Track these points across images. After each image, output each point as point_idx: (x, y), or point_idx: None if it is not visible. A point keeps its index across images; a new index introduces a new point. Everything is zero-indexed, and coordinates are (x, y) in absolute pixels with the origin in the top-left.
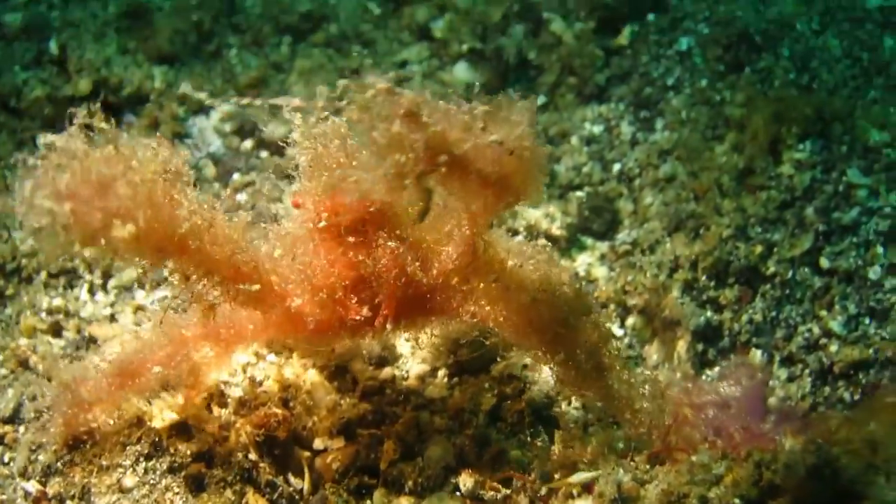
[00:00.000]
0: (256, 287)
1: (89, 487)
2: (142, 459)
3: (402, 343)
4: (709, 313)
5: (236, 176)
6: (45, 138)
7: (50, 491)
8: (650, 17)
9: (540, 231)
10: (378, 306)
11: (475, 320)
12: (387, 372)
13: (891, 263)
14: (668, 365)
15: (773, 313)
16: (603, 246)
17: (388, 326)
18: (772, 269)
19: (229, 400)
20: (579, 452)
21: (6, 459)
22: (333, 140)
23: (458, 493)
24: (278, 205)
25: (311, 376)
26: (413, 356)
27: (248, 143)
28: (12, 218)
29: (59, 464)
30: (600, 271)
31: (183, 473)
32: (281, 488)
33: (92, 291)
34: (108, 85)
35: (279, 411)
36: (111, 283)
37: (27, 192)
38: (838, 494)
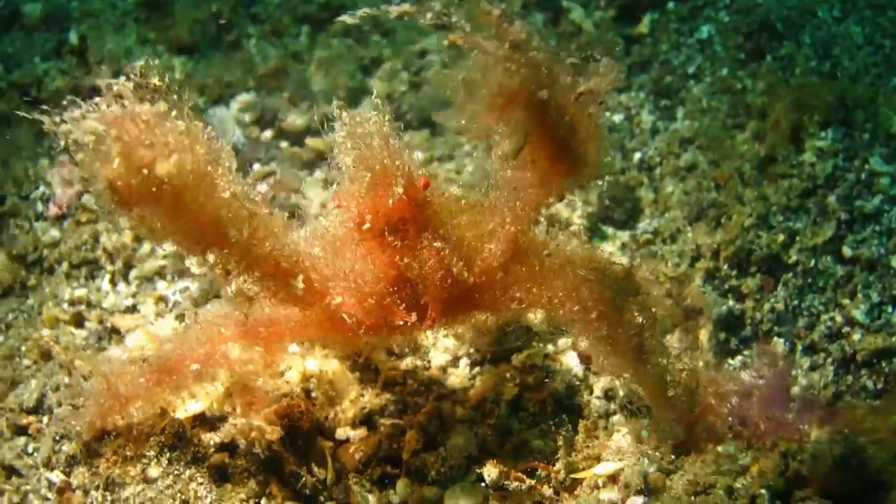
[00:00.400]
0: (300, 285)
1: (113, 478)
2: (166, 450)
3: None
4: (731, 302)
5: (256, 166)
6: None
7: (74, 481)
8: (670, 4)
9: (561, 220)
10: (420, 305)
11: (521, 306)
12: (408, 362)
13: None
14: (691, 354)
15: (796, 302)
16: (624, 235)
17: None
18: (794, 258)
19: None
20: (604, 442)
21: (30, 450)
22: (377, 139)
23: (481, 484)
24: (298, 195)
25: (333, 367)
26: (434, 346)
27: (267, 134)
28: (33, 209)
29: (83, 454)
30: (621, 261)
31: (206, 464)
32: (304, 478)
33: (114, 282)
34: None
35: (302, 402)
36: (133, 273)
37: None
38: (865, 484)
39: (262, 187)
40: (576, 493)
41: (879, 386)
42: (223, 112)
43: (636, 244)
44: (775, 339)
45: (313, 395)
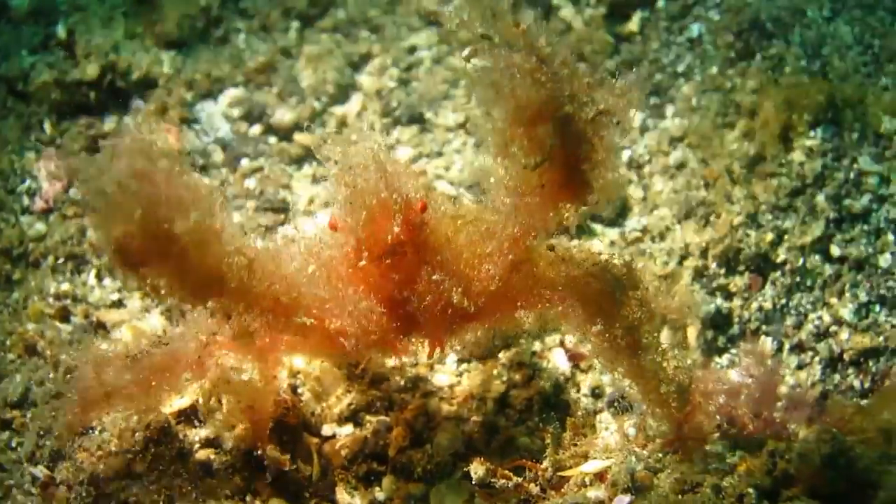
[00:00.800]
0: (306, 321)
1: (98, 473)
2: (151, 445)
3: None
4: (719, 301)
5: (244, 161)
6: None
7: (58, 476)
8: (660, 3)
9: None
10: (417, 327)
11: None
12: (395, 359)
13: None
14: (679, 352)
15: (784, 301)
16: (613, 233)
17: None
18: (782, 257)
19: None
20: (591, 440)
21: (13, 444)
22: (370, 168)
23: (468, 481)
24: (286, 190)
25: (320, 363)
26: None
27: (256, 129)
28: (18, 202)
29: (67, 449)
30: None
31: (191, 459)
32: (289, 474)
33: (99, 276)
34: (116, 70)
35: (288, 397)
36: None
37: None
38: (853, 483)
39: (251, 182)
40: (563, 490)
41: (867, 385)
42: (211, 107)
43: (625, 242)
44: (763, 337)
45: (300, 391)
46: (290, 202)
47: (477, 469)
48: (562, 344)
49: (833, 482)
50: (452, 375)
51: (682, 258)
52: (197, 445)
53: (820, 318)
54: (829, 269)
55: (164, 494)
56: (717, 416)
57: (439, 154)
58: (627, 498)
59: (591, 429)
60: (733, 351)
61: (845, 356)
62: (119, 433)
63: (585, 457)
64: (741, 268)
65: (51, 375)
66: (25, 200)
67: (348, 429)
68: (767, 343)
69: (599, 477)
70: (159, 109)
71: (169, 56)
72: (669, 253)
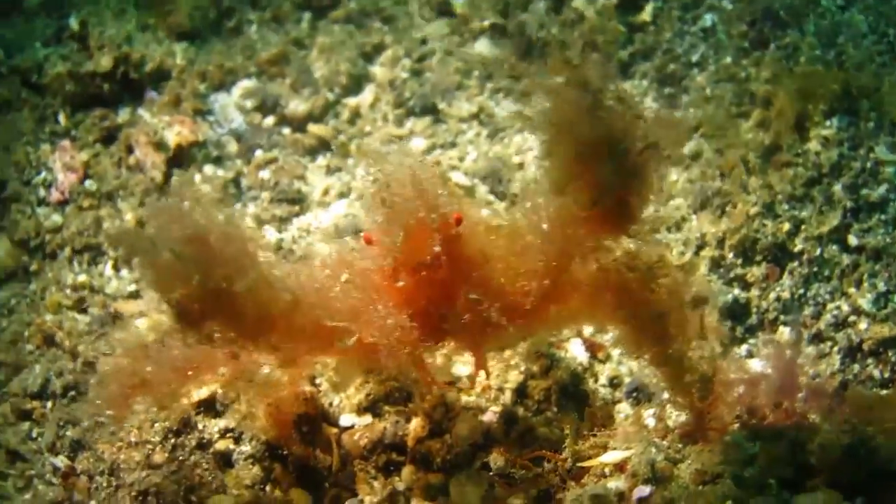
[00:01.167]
0: (350, 342)
1: (118, 463)
2: (171, 435)
3: None
4: (736, 291)
5: (258, 153)
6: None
7: (78, 466)
8: None
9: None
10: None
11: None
12: None
13: None
14: (696, 343)
15: (801, 291)
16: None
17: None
18: (799, 247)
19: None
20: (610, 431)
21: (34, 435)
22: (406, 188)
23: (487, 471)
24: (301, 181)
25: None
26: None
27: (269, 120)
28: (34, 194)
29: (87, 439)
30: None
31: (211, 450)
32: (309, 464)
33: (116, 268)
34: (129, 61)
35: (307, 388)
36: (136, 259)
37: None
38: (874, 474)
39: (265, 173)
40: (582, 481)
41: (886, 375)
42: (225, 98)
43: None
44: (781, 327)
45: (318, 381)
46: (304, 193)
47: (496, 459)
48: (579, 334)
49: (854, 473)
50: (471, 366)
51: (699, 248)
52: (217, 436)
53: (838, 307)
54: (846, 259)
55: (184, 485)
56: (738, 407)
57: (453, 145)
58: (648, 489)
59: (611, 419)
60: (752, 341)
61: (864, 346)
62: (139, 423)
63: (605, 447)
64: (758, 258)
65: (69, 366)
66: (41, 192)
67: (367, 419)
68: (786, 333)
69: (619, 467)
70: (173, 101)
71: (181, 47)
72: (686, 243)
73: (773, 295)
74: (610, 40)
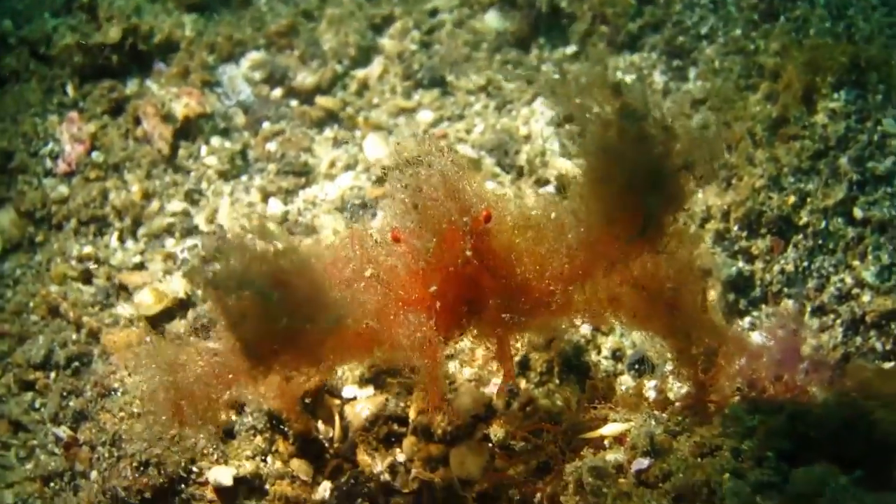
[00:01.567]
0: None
1: (120, 434)
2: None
3: None
4: (740, 263)
5: (266, 124)
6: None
7: (81, 437)
8: None
9: (570, 180)
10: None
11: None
12: None
13: None
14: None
15: (806, 263)
16: None
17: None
18: (804, 220)
19: None
20: (610, 403)
21: (37, 405)
22: (438, 190)
23: (487, 443)
24: (308, 153)
25: None
26: None
27: (277, 92)
28: (41, 165)
29: (89, 410)
30: None
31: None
32: (311, 435)
33: (122, 239)
34: (138, 33)
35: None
36: (141, 230)
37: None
38: (873, 447)
39: (272, 145)
40: (581, 453)
41: (888, 348)
42: (233, 70)
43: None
44: (785, 300)
45: None
46: (311, 165)
47: (496, 431)
48: None
49: (853, 446)
50: (472, 338)
51: (704, 221)
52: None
53: (842, 280)
54: (851, 232)
55: (186, 457)
56: (738, 379)
57: (461, 117)
58: (646, 461)
59: (611, 391)
60: (755, 314)
61: (867, 318)
62: (141, 394)
63: (605, 420)
64: (763, 230)
65: (73, 337)
66: (48, 163)
67: (369, 391)
68: (789, 305)
69: (618, 440)
70: (181, 72)
71: (190, 19)
72: (691, 216)
73: (777, 268)
74: (619, 13)
